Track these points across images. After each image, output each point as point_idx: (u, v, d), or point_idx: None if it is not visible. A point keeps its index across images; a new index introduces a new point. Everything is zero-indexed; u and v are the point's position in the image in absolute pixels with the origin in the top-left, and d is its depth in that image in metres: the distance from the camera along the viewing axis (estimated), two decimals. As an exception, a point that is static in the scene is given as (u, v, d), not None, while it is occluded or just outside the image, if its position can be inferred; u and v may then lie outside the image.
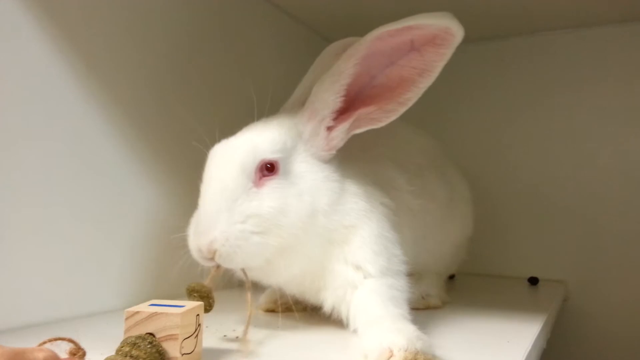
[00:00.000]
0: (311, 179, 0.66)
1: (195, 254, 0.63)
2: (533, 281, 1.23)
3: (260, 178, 0.64)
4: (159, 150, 0.86)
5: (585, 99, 1.27)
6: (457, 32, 0.60)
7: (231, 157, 0.64)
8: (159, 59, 0.87)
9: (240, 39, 1.06)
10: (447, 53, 0.61)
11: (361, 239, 0.67)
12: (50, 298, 0.70)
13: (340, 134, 0.67)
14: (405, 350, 0.52)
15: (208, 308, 0.59)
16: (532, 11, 1.20)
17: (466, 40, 1.26)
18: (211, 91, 0.98)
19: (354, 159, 0.73)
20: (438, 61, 0.62)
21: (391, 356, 0.52)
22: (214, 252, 0.61)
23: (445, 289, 0.94)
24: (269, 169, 0.64)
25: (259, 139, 0.65)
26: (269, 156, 0.64)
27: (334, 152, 0.68)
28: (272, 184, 0.63)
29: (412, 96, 0.64)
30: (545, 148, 1.30)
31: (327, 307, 0.68)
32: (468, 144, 1.38)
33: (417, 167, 0.86)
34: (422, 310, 0.84)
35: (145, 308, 0.50)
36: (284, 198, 0.63)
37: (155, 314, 0.48)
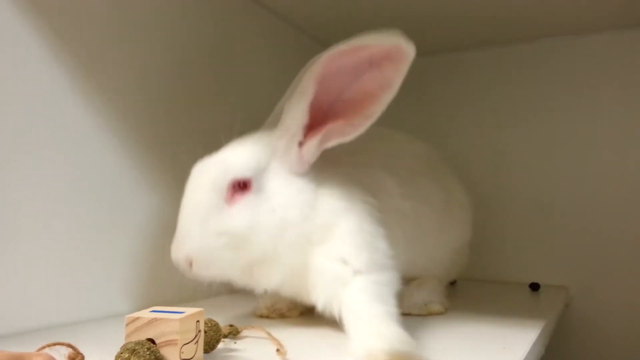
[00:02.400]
0: (284, 194, 0.68)
1: (176, 265, 0.67)
2: (534, 287, 1.22)
3: (233, 195, 0.66)
4: (159, 156, 0.87)
5: (587, 105, 1.27)
6: (407, 48, 0.62)
7: (204, 176, 0.68)
8: (158, 68, 0.88)
9: (237, 44, 1.07)
10: (403, 68, 0.63)
11: (340, 234, 0.68)
12: (50, 303, 0.70)
13: (312, 149, 0.69)
14: (387, 354, 0.54)
15: (214, 343, 0.58)
16: (533, 18, 1.20)
17: (467, 47, 1.29)
18: (210, 97, 0.98)
19: (339, 163, 0.75)
20: (396, 76, 0.64)
21: None
22: (191, 263, 0.66)
23: (446, 294, 0.93)
24: (241, 186, 0.66)
25: (232, 158, 0.68)
26: (241, 175, 0.66)
27: (307, 166, 0.70)
28: (244, 201, 0.66)
29: (377, 110, 0.66)
30: (546, 154, 1.30)
31: (319, 307, 0.69)
32: (468, 149, 1.38)
33: (408, 171, 0.87)
34: (424, 316, 0.84)
35: (145, 314, 0.50)
36: (255, 215, 0.66)
37: (155, 319, 0.49)
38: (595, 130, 1.26)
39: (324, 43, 1.34)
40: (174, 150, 0.89)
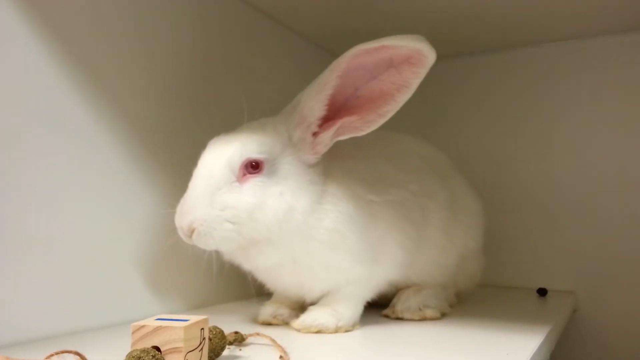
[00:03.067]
0: (294, 181, 0.71)
1: (179, 231, 0.70)
2: (542, 292, 1.22)
3: (245, 174, 0.70)
4: (162, 163, 0.88)
5: (591, 108, 1.27)
6: (428, 53, 0.66)
7: (221, 151, 0.71)
8: (162, 73, 0.89)
9: (242, 51, 1.08)
10: (422, 72, 0.67)
11: (347, 250, 0.74)
12: (57, 311, 0.71)
13: (325, 140, 0.73)
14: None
15: (219, 350, 0.59)
16: (535, 23, 1.20)
17: (471, 53, 1.28)
18: (215, 103, 0.99)
19: (346, 157, 0.79)
20: (413, 79, 0.68)
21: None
22: (193, 231, 0.68)
23: (448, 301, 0.93)
24: (254, 166, 0.70)
25: (249, 139, 0.71)
26: (255, 155, 0.70)
27: (319, 156, 0.74)
28: (254, 181, 0.70)
29: (391, 109, 0.70)
30: (552, 157, 1.30)
31: (312, 298, 0.79)
32: (473, 154, 1.38)
33: (413, 168, 0.89)
34: (417, 321, 0.84)
35: (150, 322, 0.51)
36: (264, 196, 0.69)
37: (160, 327, 0.49)
38: (601, 134, 1.25)
39: (329, 50, 1.35)
40: (178, 157, 0.89)
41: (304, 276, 0.76)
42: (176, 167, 0.88)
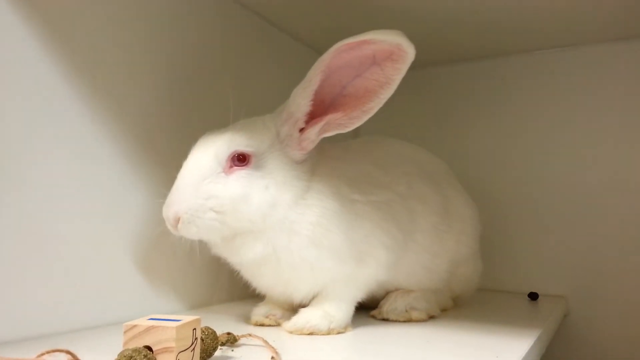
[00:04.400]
0: (280, 176, 0.73)
1: (166, 222, 0.71)
2: (533, 296, 1.23)
3: (231, 167, 0.71)
4: (154, 164, 0.87)
5: (584, 115, 1.28)
6: (407, 49, 0.67)
7: (209, 144, 0.73)
8: (153, 72, 0.89)
9: (232, 50, 1.09)
10: (403, 68, 0.68)
11: (330, 248, 0.74)
12: (49, 310, 0.71)
13: (311, 136, 0.74)
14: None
15: (212, 351, 0.59)
16: (533, 29, 1.21)
17: (469, 58, 1.29)
18: (208, 101, 0.99)
19: (333, 158, 0.81)
20: (395, 75, 0.69)
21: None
22: (178, 221, 0.69)
23: (440, 305, 0.93)
24: (241, 159, 0.71)
25: (238, 133, 0.73)
26: (242, 148, 0.71)
27: (305, 152, 0.75)
28: (240, 173, 0.71)
29: (374, 105, 0.71)
30: (544, 163, 1.31)
31: (299, 298, 0.79)
32: (467, 159, 1.39)
33: (402, 171, 0.89)
34: (402, 322, 0.85)
35: (143, 322, 0.51)
36: (249, 188, 0.70)
37: (152, 327, 0.50)
38: (593, 141, 1.26)
39: (322, 52, 1.35)
40: (168, 155, 0.89)
41: (287, 275, 0.76)
42: (171, 168, 0.88)
